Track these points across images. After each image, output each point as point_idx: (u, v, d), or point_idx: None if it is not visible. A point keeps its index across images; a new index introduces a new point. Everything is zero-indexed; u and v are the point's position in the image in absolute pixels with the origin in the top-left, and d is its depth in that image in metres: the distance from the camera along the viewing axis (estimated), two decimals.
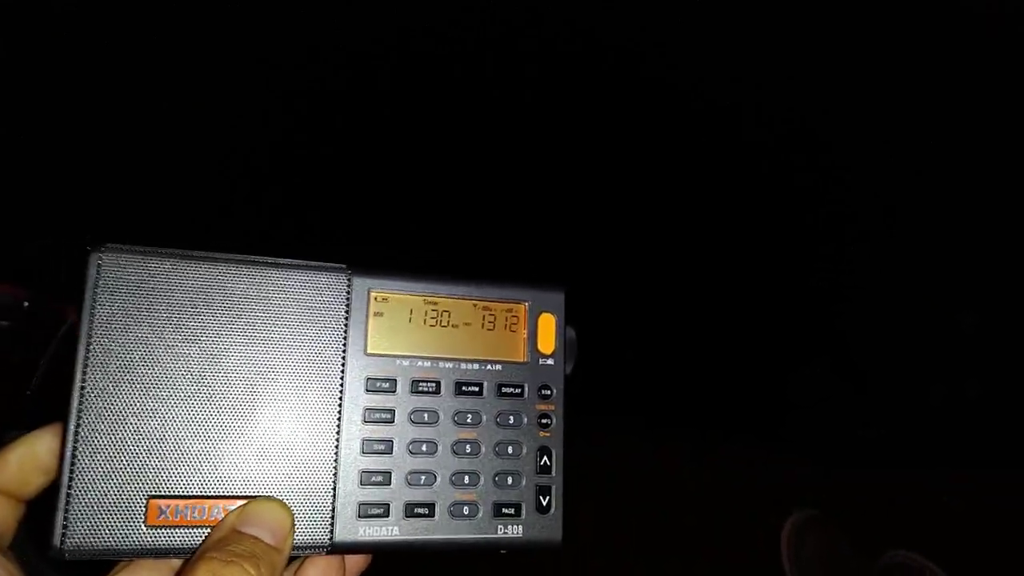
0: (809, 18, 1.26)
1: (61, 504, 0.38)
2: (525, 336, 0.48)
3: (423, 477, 0.44)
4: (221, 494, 0.40)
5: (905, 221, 1.37)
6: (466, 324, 0.47)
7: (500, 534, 0.45)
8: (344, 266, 0.45)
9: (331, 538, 0.42)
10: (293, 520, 0.40)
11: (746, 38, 1.28)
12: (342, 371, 0.43)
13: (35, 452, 0.40)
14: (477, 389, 0.46)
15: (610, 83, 1.32)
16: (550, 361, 0.48)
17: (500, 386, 0.47)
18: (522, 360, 0.48)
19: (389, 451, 0.44)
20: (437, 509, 0.44)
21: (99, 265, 0.40)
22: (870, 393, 1.36)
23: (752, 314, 1.38)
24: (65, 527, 0.37)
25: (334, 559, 0.43)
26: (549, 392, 0.48)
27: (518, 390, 0.47)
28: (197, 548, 0.38)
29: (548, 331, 0.49)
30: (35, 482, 0.40)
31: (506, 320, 0.48)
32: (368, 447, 0.43)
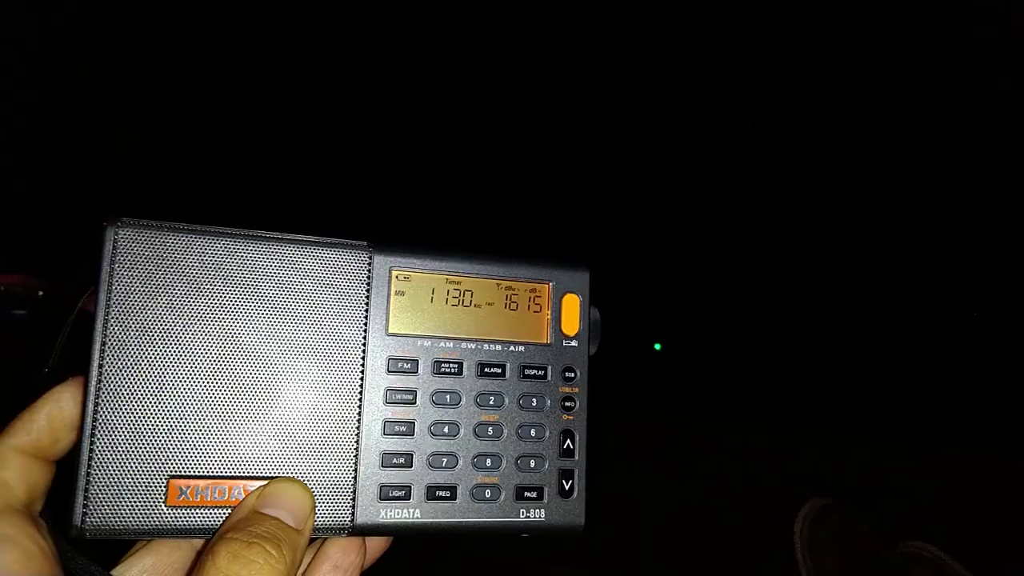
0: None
1: (81, 483, 0.37)
2: (549, 317, 0.47)
3: (445, 459, 0.43)
4: (241, 474, 0.39)
5: (920, 216, 1.36)
6: (489, 304, 0.46)
7: (522, 518, 0.44)
8: (365, 243, 0.44)
9: (352, 520, 0.41)
10: (314, 502, 0.39)
11: (781, 47, 1.25)
12: (363, 351, 0.43)
13: (62, 406, 0.39)
14: (500, 371, 0.45)
15: (634, 81, 1.30)
16: (574, 343, 0.47)
17: (523, 368, 0.46)
18: (546, 342, 0.47)
19: (411, 433, 0.43)
20: (459, 492, 0.43)
21: (115, 240, 0.39)
22: (894, 383, 1.35)
23: (777, 302, 1.37)
24: (85, 506, 0.37)
25: (354, 539, 0.42)
26: (573, 375, 0.47)
27: (541, 372, 0.46)
28: (218, 529, 0.38)
29: (572, 312, 0.47)
30: (66, 438, 0.39)
31: (529, 300, 0.47)
32: (390, 428, 0.43)
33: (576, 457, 0.46)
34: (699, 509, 1.14)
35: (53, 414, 0.38)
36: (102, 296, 0.38)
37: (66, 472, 0.38)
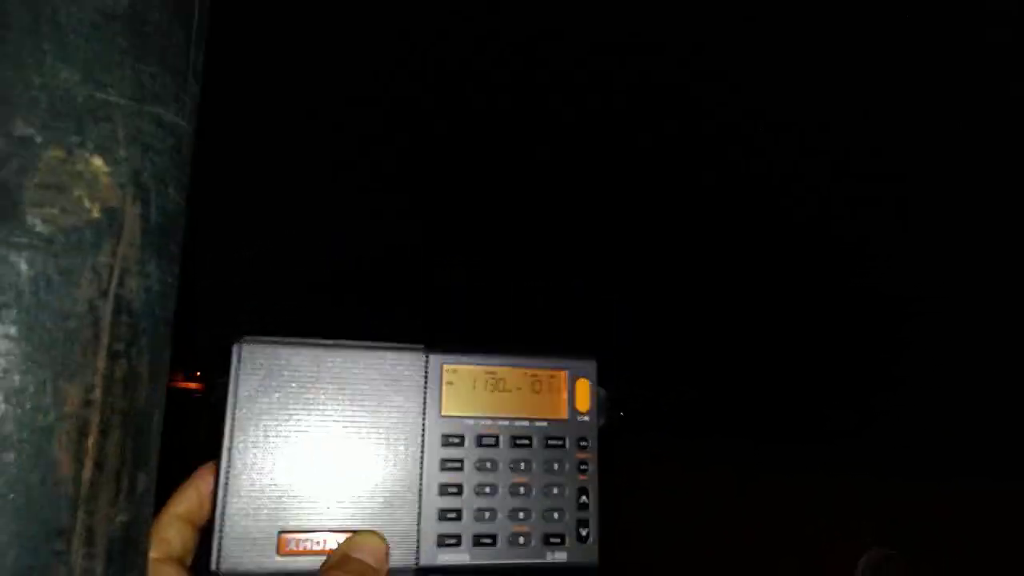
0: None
1: (216, 538, 0.50)
2: (565, 398, 0.59)
3: (487, 513, 0.55)
4: (334, 528, 0.52)
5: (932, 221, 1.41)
6: (518, 389, 0.58)
7: (548, 559, 0.56)
8: (422, 346, 0.57)
9: (417, 562, 0.53)
10: (388, 548, 0.51)
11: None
12: (423, 430, 0.55)
13: (208, 480, 0.52)
14: (528, 442, 0.57)
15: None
16: (586, 418, 0.59)
17: (547, 439, 0.58)
18: (564, 418, 0.59)
19: (460, 493, 0.55)
20: (499, 539, 0.55)
21: (240, 354, 0.52)
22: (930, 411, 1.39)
23: (803, 334, 1.43)
24: (220, 555, 0.50)
25: None
26: (586, 443, 0.59)
27: (561, 442, 0.58)
28: (316, 571, 0.50)
29: (584, 393, 0.60)
30: (209, 506, 0.51)
31: (550, 384, 0.59)
32: (443, 490, 0.55)
33: (591, 509, 0.58)
34: (753, 560, 1.18)
35: (201, 487, 0.51)
36: (230, 398, 0.51)
37: (205, 535, 0.51)
